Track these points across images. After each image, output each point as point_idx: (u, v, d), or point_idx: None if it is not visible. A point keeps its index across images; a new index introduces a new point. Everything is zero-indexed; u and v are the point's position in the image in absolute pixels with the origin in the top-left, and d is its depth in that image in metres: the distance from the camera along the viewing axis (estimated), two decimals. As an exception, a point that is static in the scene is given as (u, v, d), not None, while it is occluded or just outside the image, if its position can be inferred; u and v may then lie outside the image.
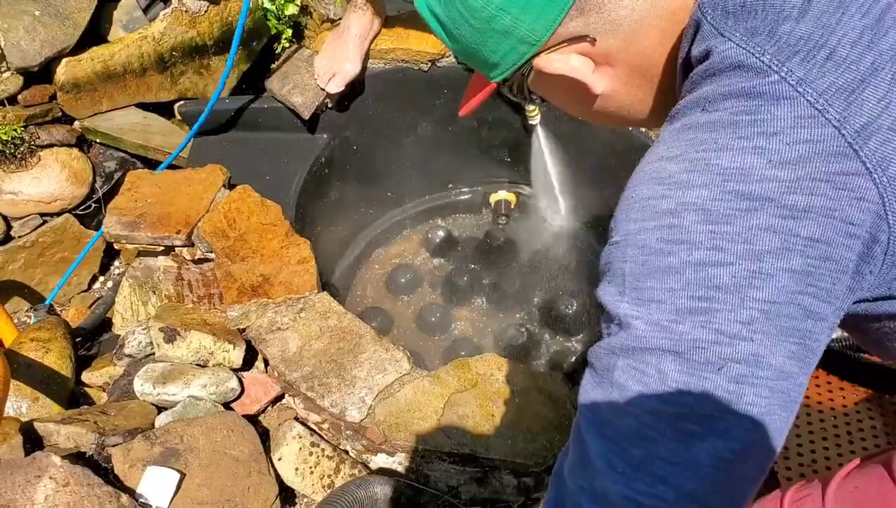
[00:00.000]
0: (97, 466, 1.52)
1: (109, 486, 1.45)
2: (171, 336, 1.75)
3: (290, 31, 4.09)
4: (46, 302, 2.75)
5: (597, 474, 0.58)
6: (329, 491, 1.55)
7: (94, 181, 3.47)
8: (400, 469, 1.66)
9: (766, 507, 1.02)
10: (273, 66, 4.27)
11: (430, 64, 2.17)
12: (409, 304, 2.36)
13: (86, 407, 1.85)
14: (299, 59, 2.11)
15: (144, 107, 3.73)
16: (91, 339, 2.43)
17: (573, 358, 2.21)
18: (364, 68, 2.11)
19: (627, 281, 0.59)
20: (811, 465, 1.59)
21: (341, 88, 2.06)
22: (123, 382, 1.88)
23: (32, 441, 1.62)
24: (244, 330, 1.72)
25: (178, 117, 2.17)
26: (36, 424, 1.63)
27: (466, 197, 2.56)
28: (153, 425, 1.66)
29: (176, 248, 1.87)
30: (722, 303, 0.54)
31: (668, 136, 0.63)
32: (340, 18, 3.72)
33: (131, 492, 1.48)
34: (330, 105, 2.10)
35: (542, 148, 2.26)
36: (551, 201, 2.43)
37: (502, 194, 2.50)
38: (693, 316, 0.55)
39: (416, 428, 1.51)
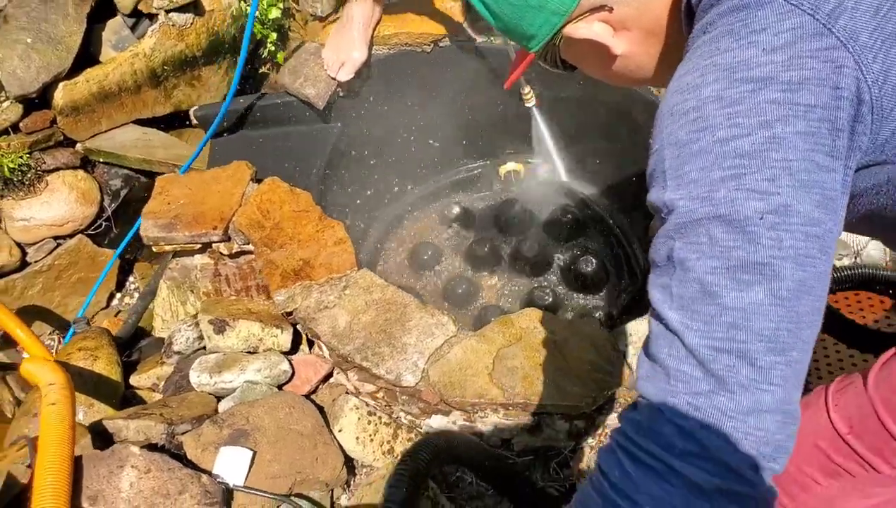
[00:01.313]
0: (171, 454, 1.59)
1: (189, 469, 1.52)
2: (220, 327, 1.82)
3: (274, 35, 4.14)
4: (80, 314, 2.81)
5: (678, 338, 0.68)
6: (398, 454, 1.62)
7: (103, 200, 3.53)
8: (455, 428, 1.74)
9: (811, 399, 1.10)
10: (262, 69, 4.34)
11: (432, 45, 2.24)
12: (434, 279, 2.43)
13: (145, 404, 1.91)
14: (306, 52, 2.18)
15: (142, 122, 3.79)
16: (129, 348, 2.49)
17: (598, 313, 2.29)
18: (370, 55, 2.18)
19: (668, 175, 0.70)
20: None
21: (351, 76, 2.13)
22: (176, 378, 1.95)
23: (102, 439, 1.69)
24: (291, 313, 1.79)
25: (195, 122, 2.22)
26: (105, 422, 1.69)
27: (477, 171, 2.64)
28: (216, 411, 1.73)
29: (213, 244, 1.93)
30: (748, 168, 0.65)
31: (681, 64, 0.75)
32: (329, 15, 3.79)
33: (208, 474, 1.55)
34: (341, 93, 2.17)
35: (540, 123, 2.38)
36: (554, 166, 2.54)
37: (511, 165, 2.59)
38: (726, 182, 0.65)
39: (470, 385, 1.58)
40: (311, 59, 2.15)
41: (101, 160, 3.61)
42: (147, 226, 1.92)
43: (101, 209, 3.54)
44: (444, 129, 2.46)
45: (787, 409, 0.65)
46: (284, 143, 2.19)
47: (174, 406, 1.74)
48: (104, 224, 3.54)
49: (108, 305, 3.46)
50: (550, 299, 2.29)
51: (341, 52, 2.12)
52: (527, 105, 2.29)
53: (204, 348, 1.98)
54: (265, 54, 4.25)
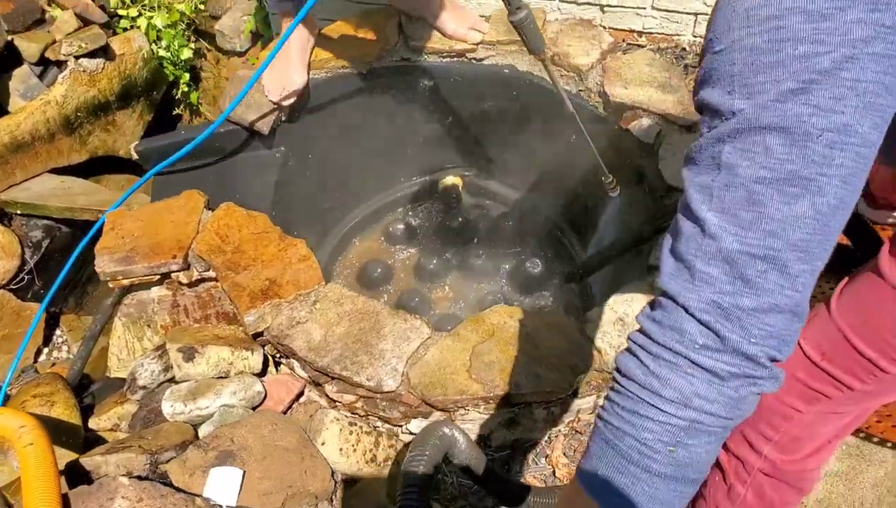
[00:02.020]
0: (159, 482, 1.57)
1: (181, 493, 1.51)
2: (190, 354, 1.81)
3: (187, 75, 4.14)
4: (8, 377, 2.71)
5: (712, 240, 0.72)
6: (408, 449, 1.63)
7: (23, 253, 3.42)
8: (434, 429, 1.78)
9: None
10: (177, 109, 4.30)
11: (368, 66, 2.30)
12: (386, 295, 2.48)
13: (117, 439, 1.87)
14: (242, 78, 2.20)
15: (58, 171, 3.71)
16: (79, 394, 2.42)
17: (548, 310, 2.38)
18: (308, 79, 2.22)
19: (736, 80, 0.71)
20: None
21: (293, 100, 2.16)
22: (143, 414, 1.92)
23: (78, 478, 1.65)
24: (261, 333, 1.80)
25: (135, 156, 2.20)
26: (82, 460, 1.66)
27: (417, 187, 2.71)
28: (197, 437, 1.72)
29: (172, 275, 1.92)
30: (819, 84, 0.66)
31: None
32: (248, 50, 3.81)
33: (200, 497, 1.54)
34: (283, 118, 2.20)
35: None
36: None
37: (450, 179, 2.66)
38: (795, 96, 0.67)
39: (451, 383, 1.63)
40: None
41: (19, 212, 3.51)
42: (103, 262, 1.89)
43: (23, 262, 3.43)
44: (383, 148, 2.52)
45: (799, 310, 0.72)
46: (230, 172, 2.20)
47: (150, 437, 1.72)
48: (26, 277, 3.43)
49: (35, 361, 3.34)
50: (502, 303, 2.36)
51: (282, 77, 2.16)
52: (611, 194, 2.10)
53: (170, 380, 1.96)
54: (178, 95, 4.23)
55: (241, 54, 3.82)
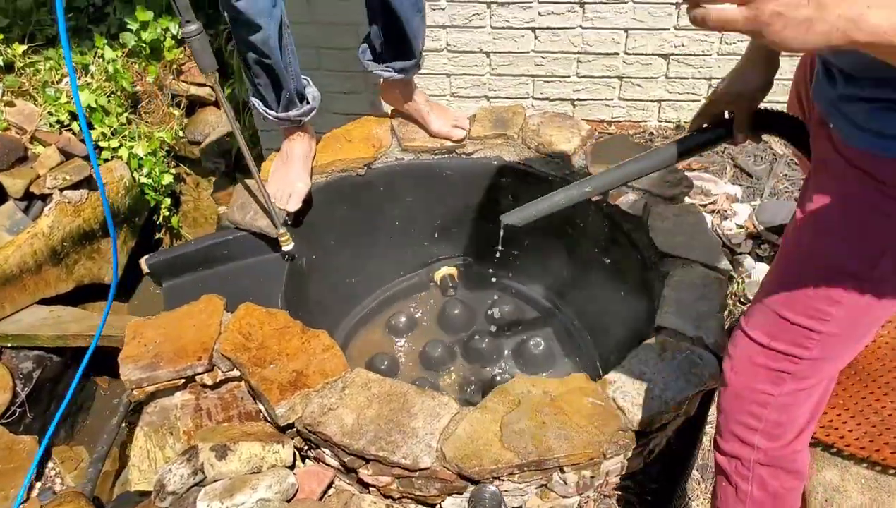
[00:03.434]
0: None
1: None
2: (222, 452, 1.84)
3: (168, 200, 4.26)
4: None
5: None
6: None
7: (15, 385, 3.41)
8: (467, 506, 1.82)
9: (736, 340, 1.31)
10: (158, 234, 4.38)
11: (365, 168, 2.44)
12: (396, 386, 2.53)
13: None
14: (248, 188, 2.31)
15: (45, 302, 3.74)
16: (98, 516, 2.39)
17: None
18: (310, 185, 2.34)
19: None
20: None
21: (299, 205, 2.27)
22: (173, 520, 1.91)
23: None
24: (291, 425, 1.84)
25: (146, 270, 2.27)
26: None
27: (414, 279, 2.80)
28: (236, 535, 1.73)
29: (196, 377, 1.96)
30: None
31: None
32: (230, 170, 3.93)
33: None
34: (289, 222, 2.30)
35: None
36: None
37: (444, 270, 2.77)
38: None
39: (485, 454, 1.68)
40: (256, 194, 2.28)
41: (10, 345, 3.51)
42: (127, 371, 1.93)
43: (14, 395, 3.41)
44: (382, 245, 2.63)
45: None
46: (241, 277, 2.27)
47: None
48: (18, 410, 3.41)
49: (27, 498, 3.28)
50: (508, 380, 2.43)
51: (287, 183, 2.27)
52: (283, 248, 2.28)
53: (198, 483, 1.96)
54: (160, 220, 4.32)
55: (225, 174, 3.96)
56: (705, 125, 1.51)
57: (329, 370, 1.87)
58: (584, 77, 2.77)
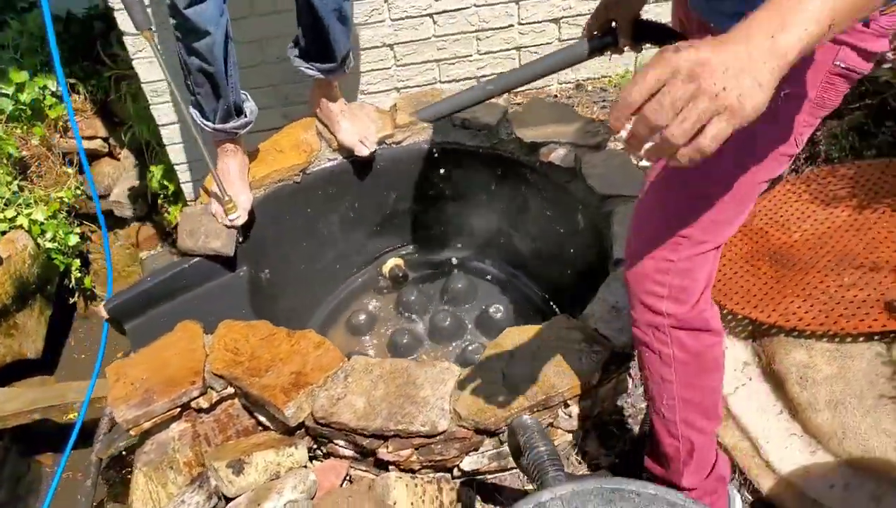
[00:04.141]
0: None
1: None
2: (238, 467, 1.85)
3: (77, 261, 4.13)
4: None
5: None
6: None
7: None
8: (485, 460, 1.91)
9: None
10: (73, 299, 4.21)
11: (300, 174, 2.48)
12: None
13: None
14: (192, 214, 2.30)
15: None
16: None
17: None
18: (251, 198, 2.36)
19: None
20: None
21: (245, 219, 2.29)
22: (197, 549, 1.90)
23: None
24: (302, 423, 1.87)
25: (106, 316, 2.22)
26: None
27: (364, 276, 2.86)
28: (276, 538, 1.75)
29: (191, 403, 1.96)
30: None
31: None
32: (145, 214, 3.85)
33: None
34: (240, 239, 2.31)
35: None
36: None
37: (391, 261, 2.84)
38: None
39: (496, 405, 1.77)
40: (202, 218, 2.28)
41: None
42: (121, 412, 1.90)
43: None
44: (326, 248, 2.67)
45: None
46: (204, 303, 2.27)
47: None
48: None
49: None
50: (480, 350, 2.52)
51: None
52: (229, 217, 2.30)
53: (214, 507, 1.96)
54: (72, 284, 4.18)
55: (140, 219, 3.86)
56: (595, 32, 1.61)
57: (326, 364, 1.91)
58: (485, 53, 2.90)
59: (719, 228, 1.37)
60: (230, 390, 1.99)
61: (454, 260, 2.88)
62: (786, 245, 2.26)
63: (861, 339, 1.94)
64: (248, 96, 2.27)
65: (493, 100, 2.57)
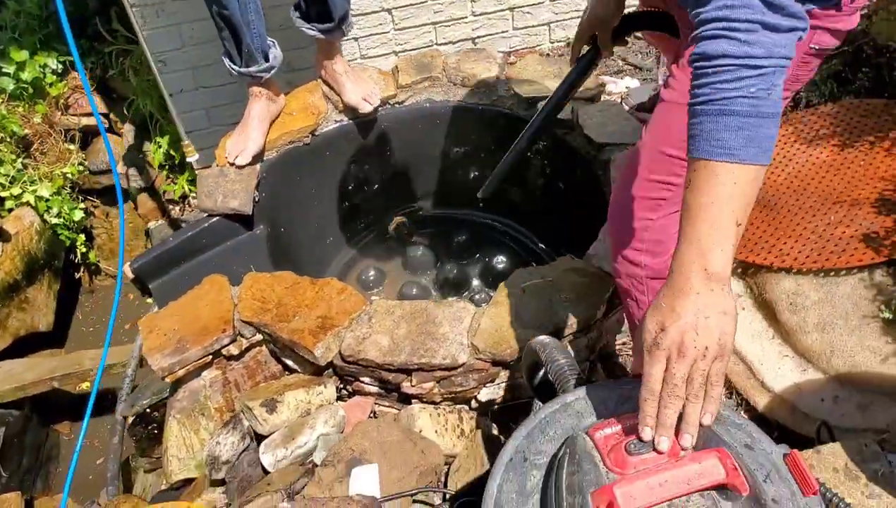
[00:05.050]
0: (304, 505, 1.73)
1: (334, 498, 1.68)
2: (271, 406, 1.98)
3: (82, 236, 4.22)
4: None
5: None
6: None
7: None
8: (501, 391, 2.04)
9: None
10: (78, 273, 4.31)
11: (309, 136, 2.59)
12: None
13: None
14: (209, 175, 2.41)
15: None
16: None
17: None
18: (265, 145, 2.47)
19: None
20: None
21: (248, 161, 2.41)
22: (235, 485, 2.02)
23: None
24: (331, 363, 2.00)
25: (132, 276, 2.33)
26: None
27: (373, 234, 2.98)
28: (314, 467, 1.88)
29: (223, 350, 2.08)
30: None
31: None
32: (152, 183, 3.94)
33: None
34: (257, 198, 2.42)
35: None
36: None
37: (397, 219, 2.97)
38: None
39: (510, 338, 1.90)
40: (218, 179, 2.39)
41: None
42: (156, 360, 2.02)
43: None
44: (336, 207, 2.79)
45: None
46: (224, 260, 2.38)
47: (270, 483, 1.86)
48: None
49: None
50: (488, 300, 2.66)
51: (240, 142, 2.43)
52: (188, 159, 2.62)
53: (246, 448, 2.09)
54: (77, 259, 4.27)
55: (148, 190, 3.95)
56: (583, 51, 1.85)
57: (350, 307, 2.03)
58: (479, 14, 3.01)
59: None
60: (258, 337, 2.11)
61: (458, 217, 3.00)
62: (773, 187, 2.40)
63: (843, 273, 2.09)
64: (276, 44, 2.39)
65: (489, 57, 2.71)
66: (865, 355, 1.93)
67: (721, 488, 0.99)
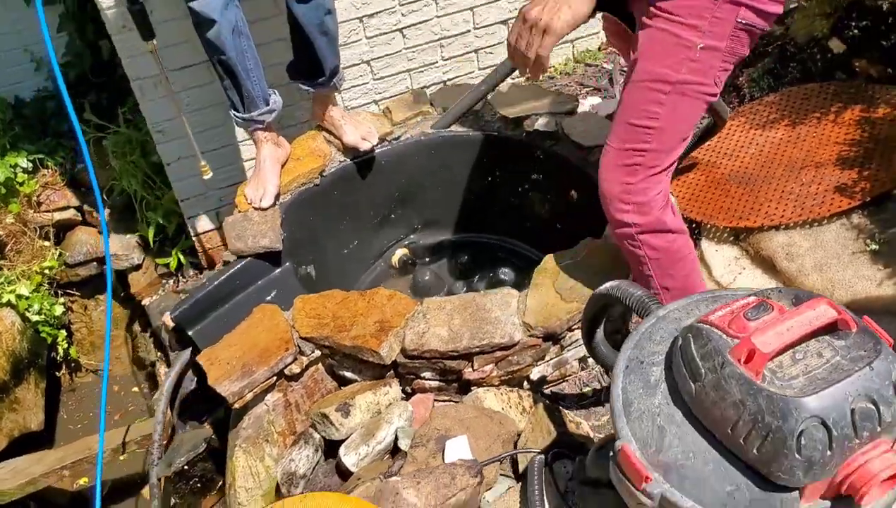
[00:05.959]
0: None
1: (437, 470, 1.81)
2: (345, 410, 2.10)
3: (63, 332, 4.21)
4: None
5: None
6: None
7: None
8: (549, 369, 2.22)
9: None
10: (59, 372, 4.26)
11: (319, 176, 2.77)
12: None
13: None
14: (236, 221, 2.54)
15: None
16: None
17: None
18: (280, 186, 2.65)
19: None
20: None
21: (271, 202, 2.58)
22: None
23: None
24: (395, 362, 2.14)
25: (171, 325, 2.41)
26: None
27: (378, 269, 3.14)
28: (403, 455, 2.00)
29: (285, 369, 2.19)
30: None
31: None
32: (142, 261, 3.96)
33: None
34: (284, 234, 2.57)
35: None
36: None
37: (399, 252, 3.14)
38: None
39: (557, 312, 2.10)
40: (245, 224, 2.53)
41: (-29, 517, 3.37)
42: (224, 387, 2.11)
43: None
44: (349, 242, 2.95)
45: None
46: (261, 298, 2.49)
47: (360, 478, 1.96)
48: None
49: None
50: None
51: (259, 185, 2.58)
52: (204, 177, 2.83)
53: (318, 462, 2.18)
54: (59, 357, 4.25)
55: (137, 268, 3.97)
56: None
57: (403, 309, 2.19)
58: (448, 59, 3.28)
59: (664, 155, 1.80)
60: (317, 353, 2.23)
61: (458, 240, 3.20)
62: (742, 168, 2.70)
63: (825, 222, 2.38)
64: (276, 92, 2.57)
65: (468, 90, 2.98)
66: (863, 284, 2.19)
67: (833, 330, 1.19)
